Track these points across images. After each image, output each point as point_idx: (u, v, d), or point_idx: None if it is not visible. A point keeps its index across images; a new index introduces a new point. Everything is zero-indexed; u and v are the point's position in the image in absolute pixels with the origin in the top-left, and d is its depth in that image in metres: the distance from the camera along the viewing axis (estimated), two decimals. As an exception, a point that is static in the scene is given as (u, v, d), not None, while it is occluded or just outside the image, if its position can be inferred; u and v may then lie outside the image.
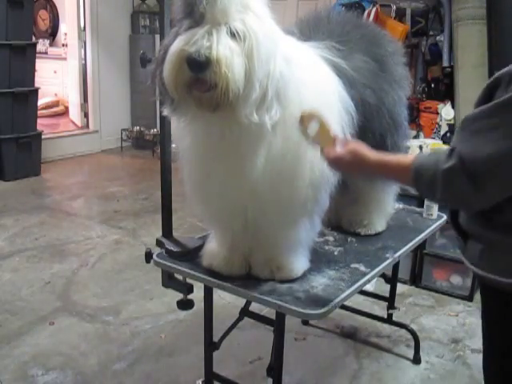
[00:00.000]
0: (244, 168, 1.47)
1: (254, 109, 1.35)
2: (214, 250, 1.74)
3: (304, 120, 1.41)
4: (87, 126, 6.46)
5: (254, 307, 1.96)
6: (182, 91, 1.33)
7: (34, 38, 5.67)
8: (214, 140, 1.46)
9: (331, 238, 2.02)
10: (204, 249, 1.79)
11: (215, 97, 1.31)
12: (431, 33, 4.08)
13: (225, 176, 1.50)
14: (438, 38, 4.01)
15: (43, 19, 8.02)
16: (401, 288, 3.04)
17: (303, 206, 1.55)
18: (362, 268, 1.80)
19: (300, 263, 1.71)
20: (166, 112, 1.46)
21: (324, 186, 1.58)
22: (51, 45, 7.88)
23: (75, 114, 6.59)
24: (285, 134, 1.46)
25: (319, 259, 1.83)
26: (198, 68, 1.26)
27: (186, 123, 1.48)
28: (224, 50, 1.26)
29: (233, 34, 1.29)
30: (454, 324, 2.86)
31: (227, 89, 1.28)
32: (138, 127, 6.51)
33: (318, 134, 1.42)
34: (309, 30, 1.81)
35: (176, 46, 1.30)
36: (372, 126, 1.78)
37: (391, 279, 2.52)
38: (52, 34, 8.04)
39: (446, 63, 3.85)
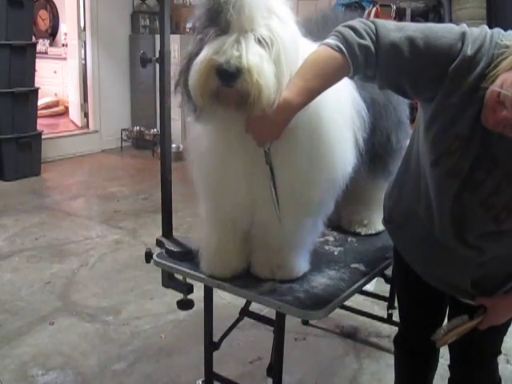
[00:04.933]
0: (257, 169, 1.46)
1: None
2: (208, 256, 1.71)
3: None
4: (87, 126, 6.46)
5: (254, 307, 1.95)
6: (209, 99, 1.32)
7: (34, 38, 5.67)
8: (235, 141, 1.45)
9: (331, 238, 2.02)
10: (200, 258, 1.74)
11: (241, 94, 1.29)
12: (431, 33, 4.08)
13: (240, 176, 1.49)
14: (438, 37, 4.01)
15: (43, 19, 8.02)
16: (401, 288, 3.04)
17: (315, 207, 1.56)
18: (362, 268, 1.80)
19: (301, 263, 1.71)
20: (190, 119, 1.45)
21: (334, 188, 1.59)
22: (51, 45, 7.89)
23: (75, 113, 6.59)
24: (302, 136, 1.46)
25: (319, 259, 1.83)
26: (229, 78, 1.25)
27: (210, 127, 1.46)
28: (254, 58, 1.25)
29: (260, 41, 1.28)
30: (454, 324, 2.86)
31: (260, 95, 1.27)
32: (137, 127, 6.51)
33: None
34: (317, 29, 1.81)
35: (204, 55, 1.28)
36: (380, 124, 1.79)
37: (391, 279, 2.52)
38: (52, 34, 8.04)
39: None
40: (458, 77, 1.25)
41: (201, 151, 1.55)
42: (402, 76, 1.31)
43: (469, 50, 1.24)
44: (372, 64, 1.30)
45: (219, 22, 1.27)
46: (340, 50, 1.28)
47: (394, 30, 1.29)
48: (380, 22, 1.32)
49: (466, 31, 1.27)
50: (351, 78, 1.36)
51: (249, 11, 1.25)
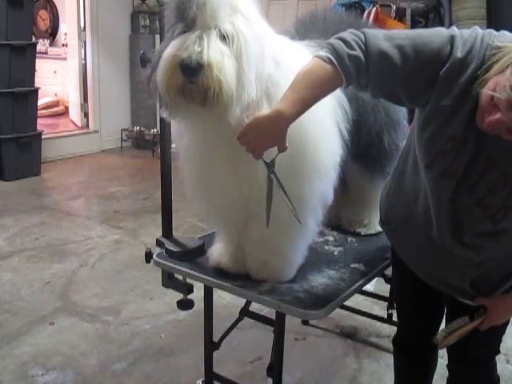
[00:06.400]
0: (241, 164, 1.48)
1: (243, 109, 1.36)
2: (220, 248, 1.74)
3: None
4: (87, 126, 6.46)
5: (254, 307, 1.95)
6: (175, 94, 1.35)
7: (34, 38, 5.67)
8: (211, 138, 1.48)
9: (331, 238, 2.02)
10: (211, 248, 1.79)
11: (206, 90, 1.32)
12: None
13: (224, 173, 1.51)
14: (438, 37, 4.01)
15: (43, 19, 8.03)
16: (401, 288, 3.04)
17: (303, 202, 1.55)
18: (362, 268, 1.80)
19: (292, 266, 1.69)
20: (163, 114, 1.48)
21: (323, 180, 1.58)
22: (51, 45, 7.89)
23: (75, 114, 6.59)
24: None
25: (319, 259, 1.83)
26: (191, 73, 1.29)
27: (184, 123, 1.50)
28: (215, 53, 1.28)
29: (223, 37, 1.31)
30: (453, 324, 2.86)
31: (220, 91, 1.30)
32: (138, 127, 6.51)
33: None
34: (305, 29, 1.84)
35: (169, 51, 1.32)
36: (367, 122, 1.79)
37: (391, 279, 2.52)
38: (52, 34, 8.05)
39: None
40: (449, 79, 1.26)
41: (183, 150, 1.59)
42: (394, 84, 1.32)
43: (459, 53, 1.24)
44: (363, 73, 1.32)
45: (185, 19, 1.31)
46: (330, 62, 1.30)
47: (383, 39, 1.31)
48: (369, 31, 1.34)
49: (455, 34, 1.27)
50: (345, 87, 1.38)
51: (211, 8, 1.29)
